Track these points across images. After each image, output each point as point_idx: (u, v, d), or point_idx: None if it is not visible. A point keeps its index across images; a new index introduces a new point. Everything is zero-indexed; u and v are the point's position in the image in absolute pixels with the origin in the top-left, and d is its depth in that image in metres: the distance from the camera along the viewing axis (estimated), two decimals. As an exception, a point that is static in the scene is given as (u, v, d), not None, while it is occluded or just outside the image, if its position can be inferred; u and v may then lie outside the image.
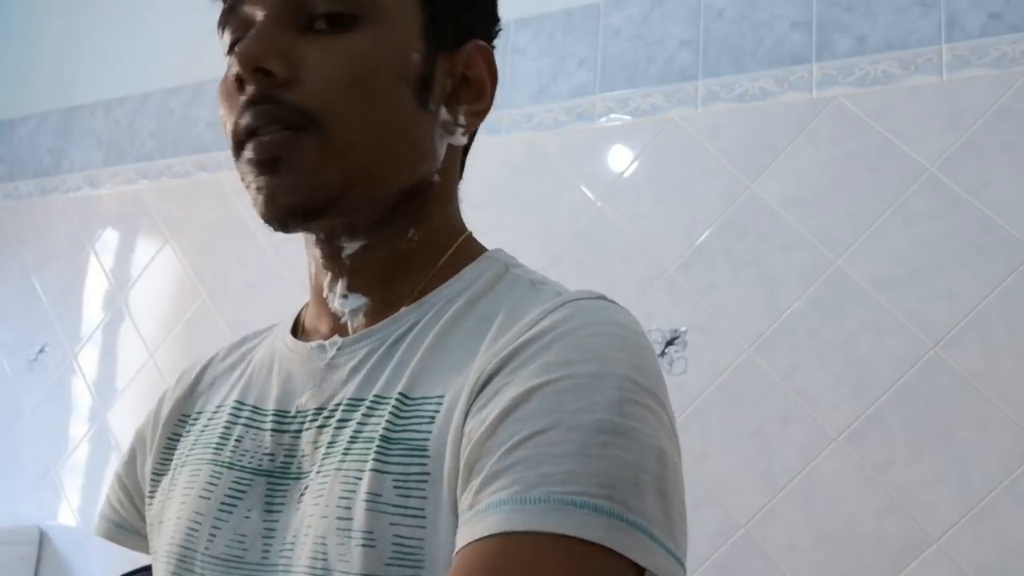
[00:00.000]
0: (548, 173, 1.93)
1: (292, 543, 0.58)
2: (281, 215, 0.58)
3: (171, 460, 0.70)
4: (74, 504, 2.38)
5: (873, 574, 1.48)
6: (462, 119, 0.65)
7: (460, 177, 0.71)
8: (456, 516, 0.52)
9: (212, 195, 2.36)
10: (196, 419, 0.71)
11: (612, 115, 1.90)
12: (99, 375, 2.44)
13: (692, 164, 1.79)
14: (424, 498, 0.53)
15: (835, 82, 1.70)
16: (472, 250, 0.68)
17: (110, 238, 2.53)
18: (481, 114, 0.66)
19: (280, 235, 0.63)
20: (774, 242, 1.68)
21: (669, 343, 1.73)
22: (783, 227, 1.68)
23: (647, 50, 1.90)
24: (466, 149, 0.71)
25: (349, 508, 0.55)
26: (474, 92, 0.66)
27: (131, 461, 0.75)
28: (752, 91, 1.77)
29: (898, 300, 1.56)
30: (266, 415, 0.65)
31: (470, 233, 0.69)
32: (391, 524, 0.53)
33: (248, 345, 0.76)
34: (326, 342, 0.64)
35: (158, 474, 0.70)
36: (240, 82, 0.58)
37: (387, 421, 0.57)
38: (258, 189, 0.58)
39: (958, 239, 1.54)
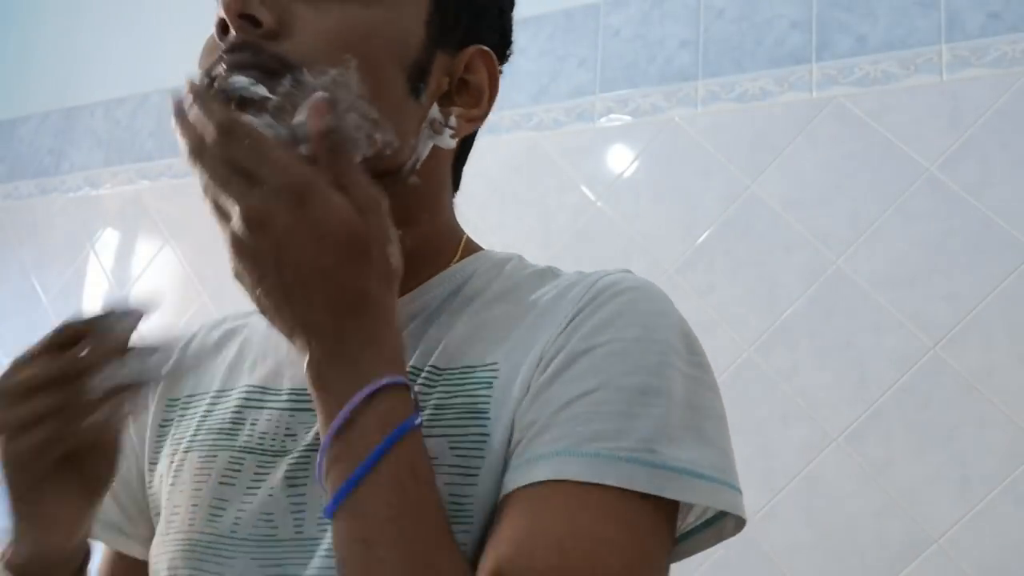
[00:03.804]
0: (548, 173, 1.93)
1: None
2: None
3: (164, 446, 0.68)
4: (74, 504, 2.38)
5: (873, 574, 1.48)
6: (453, 121, 0.62)
7: (454, 189, 0.69)
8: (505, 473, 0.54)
9: (212, 195, 2.36)
10: (189, 402, 0.69)
11: (612, 115, 1.90)
12: (99, 375, 2.43)
13: (692, 164, 1.79)
14: (482, 458, 0.54)
15: (835, 82, 1.70)
16: (477, 247, 0.69)
17: (110, 238, 2.53)
18: (475, 120, 0.63)
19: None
20: (774, 242, 1.68)
21: (669, 343, 1.73)
22: (783, 227, 1.68)
23: (647, 50, 1.90)
24: (459, 159, 0.68)
25: None
26: (471, 97, 0.63)
27: None
28: (752, 91, 1.77)
29: (898, 300, 1.56)
30: (280, 394, 0.64)
31: (469, 237, 0.69)
32: (446, 484, 0.54)
33: (230, 325, 0.74)
34: None
35: (153, 463, 0.69)
36: (223, 29, 0.55)
37: (439, 392, 0.58)
38: None
39: (958, 239, 1.54)
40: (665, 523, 0.54)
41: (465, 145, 0.68)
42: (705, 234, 1.75)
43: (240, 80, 0.54)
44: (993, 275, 1.51)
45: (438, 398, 0.57)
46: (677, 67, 1.85)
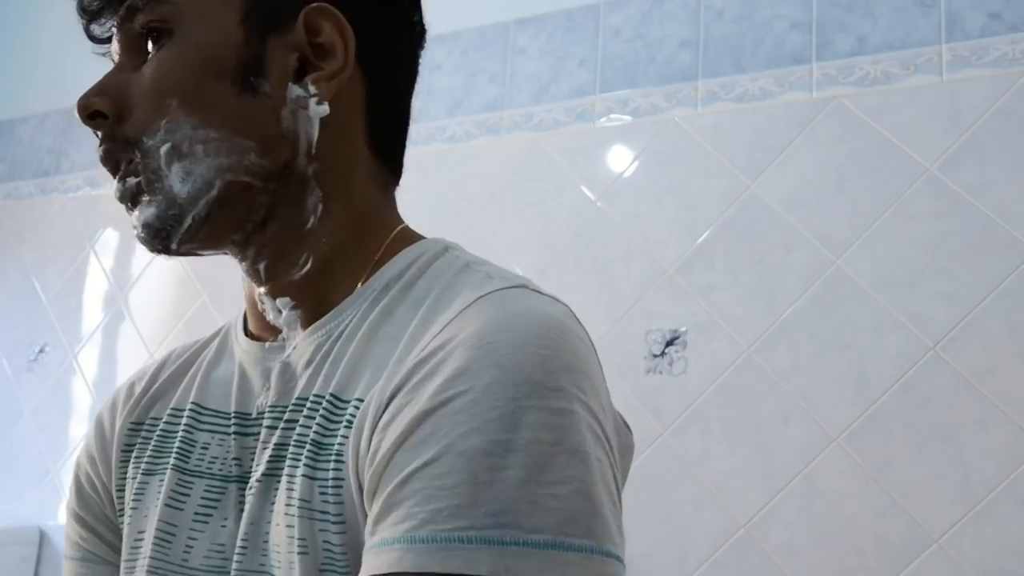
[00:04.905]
0: (548, 173, 1.93)
1: (243, 548, 0.57)
2: (151, 245, 0.59)
3: (127, 471, 0.68)
4: (74, 504, 2.38)
5: (873, 574, 1.48)
6: (312, 88, 0.60)
7: (391, 173, 0.66)
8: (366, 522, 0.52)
9: (212, 195, 2.36)
10: (154, 425, 0.68)
11: (612, 115, 1.90)
12: (99, 375, 2.44)
13: (692, 164, 1.79)
14: (342, 503, 0.53)
15: (835, 82, 1.70)
16: (412, 237, 0.65)
17: (110, 238, 2.53)
18: (336, 75, 0.61)
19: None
20: (774, 242, 1.68)
21: (669, 343, 1.73)
22: (783, 227, 1.68)
23: (647, 50, 1.90)
24: (378, 133, 0.65)
25: (291, 515, 0.55)
26: (329, 57, 0.61)
27: (80, 492, 0.72)
28: (752, 91, 1.77)
29: (898, 300, 1.56)
30: (228, 418, 0.63)
31: (407, 226, 0.66)
32: (320, 530, 0.53)
33: (196, 348, 0.73)
34: (284, 340, 0.63)
35: (120, 490, 0.68)
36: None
37: (318, 424, 0.56)
38: (133, 226, 0.60)
39: (958, 239, 1.54)
40: None
41: (383, 115, 0.65)
42: (705, 234, 1.75)
43: (117, 187, 0.60)
44: (993, 275, 1.51)
45: (317, 433, 0.56)
46: (677, 67, 1.85)
